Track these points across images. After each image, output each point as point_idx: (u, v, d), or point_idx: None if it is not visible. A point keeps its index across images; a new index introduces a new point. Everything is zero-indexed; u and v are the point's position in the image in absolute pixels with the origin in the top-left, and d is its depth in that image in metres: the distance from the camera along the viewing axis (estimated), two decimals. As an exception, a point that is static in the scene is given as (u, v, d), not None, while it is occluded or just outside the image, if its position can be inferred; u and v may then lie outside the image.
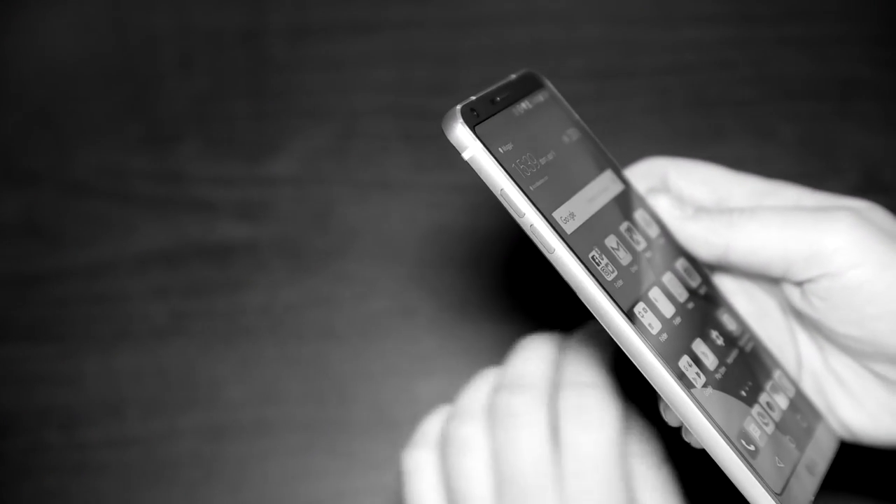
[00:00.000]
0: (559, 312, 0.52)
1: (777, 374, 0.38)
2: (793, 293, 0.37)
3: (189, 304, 0.54)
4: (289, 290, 0.53)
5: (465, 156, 0.34)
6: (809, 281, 0.35)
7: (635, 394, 0.39)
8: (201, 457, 0.51)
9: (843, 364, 0.38)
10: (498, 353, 0.51)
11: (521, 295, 0.53)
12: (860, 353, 0.36)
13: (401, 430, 0.51)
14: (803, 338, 0.39)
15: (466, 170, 0.55)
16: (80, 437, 0.51)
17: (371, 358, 0.52)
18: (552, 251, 0.33)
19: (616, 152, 0.39)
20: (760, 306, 0.40)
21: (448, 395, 0.52)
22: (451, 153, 0.56)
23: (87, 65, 0.58)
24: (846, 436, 0.38)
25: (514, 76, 0.37)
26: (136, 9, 0.59)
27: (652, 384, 0.33)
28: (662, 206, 0.38)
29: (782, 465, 0.35)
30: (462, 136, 0.33)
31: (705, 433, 0.33)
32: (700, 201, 0.39)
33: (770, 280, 0.38)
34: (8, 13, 0.59)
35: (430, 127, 0.56)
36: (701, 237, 0.36)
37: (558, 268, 0.33)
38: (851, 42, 0.56)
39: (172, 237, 0.55)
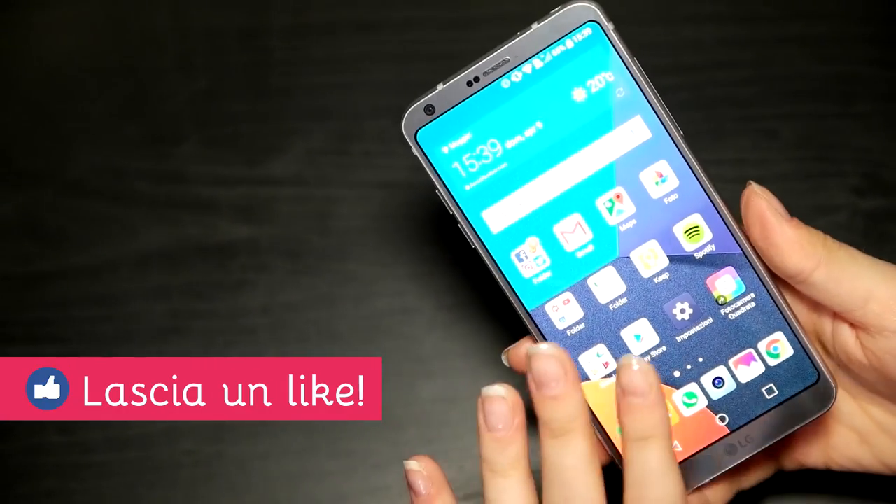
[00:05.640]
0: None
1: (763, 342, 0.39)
2: (848, 339, 0.37)
3: (189, 304, 0.54)
4: (289, 290, 0.53)
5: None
6: (881, 331, 0.36)
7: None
8: (201, 457, 0.51)
9: (883, 410, 0.39)
10: (498, 354, 0.51)
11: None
12: None
13: (401, 431, 0.51)
14: (841, 392, 0.40)
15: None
16: (80, 437, 0.51)
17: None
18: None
19: (616, 153, 0.39)
20: None
21: (448, 395, 0.52)
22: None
23: (86, 64, 0.58)
24: (887, 472, 0.40)
25: (553, 15, 0.40)
26: (136, 8, 0.59)
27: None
28: (764, 200, 0.36)
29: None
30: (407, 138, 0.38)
31: None
32: None
33: (832, 314, 0.38)
34: (7, 13, 0.59)
35: (430, 127, 0.56)
36: (797, 244, 0.35)
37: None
38: (851, 42, 0.56)
39: (172, 237, 0.55)
